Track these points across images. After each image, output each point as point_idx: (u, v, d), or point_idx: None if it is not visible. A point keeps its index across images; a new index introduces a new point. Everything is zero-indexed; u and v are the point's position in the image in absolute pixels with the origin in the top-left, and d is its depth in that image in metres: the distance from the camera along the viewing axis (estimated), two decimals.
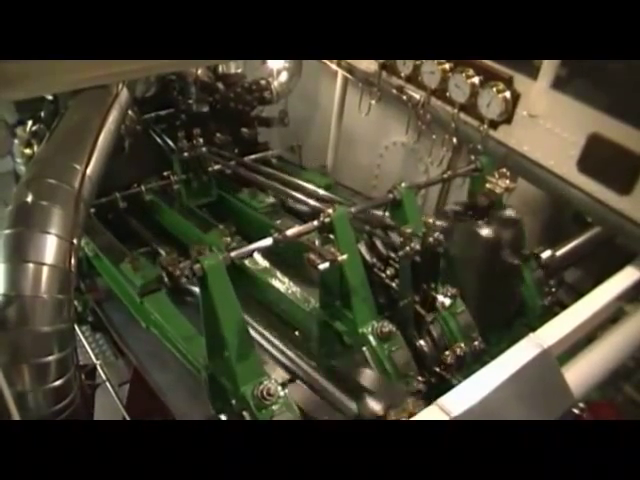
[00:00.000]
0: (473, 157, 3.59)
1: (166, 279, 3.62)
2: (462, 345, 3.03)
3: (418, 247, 2.82)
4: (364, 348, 2.89)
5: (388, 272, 3.06)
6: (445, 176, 3.69)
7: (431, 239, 2.83)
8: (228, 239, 4.36)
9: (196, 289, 3.83)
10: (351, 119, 5.43)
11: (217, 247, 3.84)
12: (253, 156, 5.41)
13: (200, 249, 3.96)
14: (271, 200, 4.78)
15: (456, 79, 3.90)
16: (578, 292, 3.39)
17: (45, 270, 2.98)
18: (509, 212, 3.37)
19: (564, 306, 3.05)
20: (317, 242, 2.88)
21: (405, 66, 4.27)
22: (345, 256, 2.73)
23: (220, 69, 5.79)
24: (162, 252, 4.42)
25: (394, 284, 3.05)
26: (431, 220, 2.95)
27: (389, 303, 3.09)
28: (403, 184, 3.25)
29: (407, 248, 2.82)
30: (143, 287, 3.95)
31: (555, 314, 2.56)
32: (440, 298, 3.00)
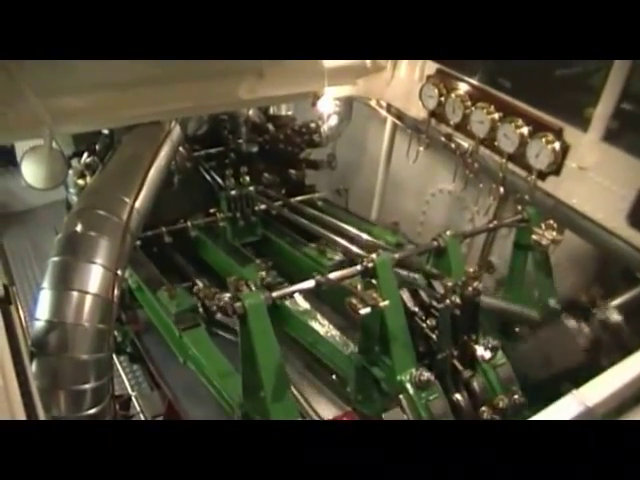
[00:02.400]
0: (520, 207, 3.54)
1: (201, 310, 3.77)
2: (500, 402, 2.94)
3: (458, 301, 2.79)
4: (401, 396, 2.84)
5: (428, 322, 3.01)
6: (491, 226, 3.66)
7: (470, 288, 2.78)
8: (263, 273, 4.29)
9: (229, 323, 3.84)
10: (398, 165, 5.44)
11: (253, 281, 3.85)
12: (299, 198, 5.44)
13: (237, 283, 4.02)
14: (339, 257, 4.53)
15: (505, 129, 3.88)
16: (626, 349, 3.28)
17: (88, 299, 3.03)
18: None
19: (611, 363, 2.95)
20: (359, 287, 2.85)
21: (454, 114, 4.27)
22: (387, 302, 2.70)
23: (271, 110, 5.91)
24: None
25: (434, 335, 2.99)
26: (472, 269, 2.89)
27: (428, 353, 3.04)
28: (448, 232, 3.23)
29: (447, 301, 2.78)
30: (178, 315, 4.01)
31: (601, 371, 2.46)
32: (480, 351, 2.93)
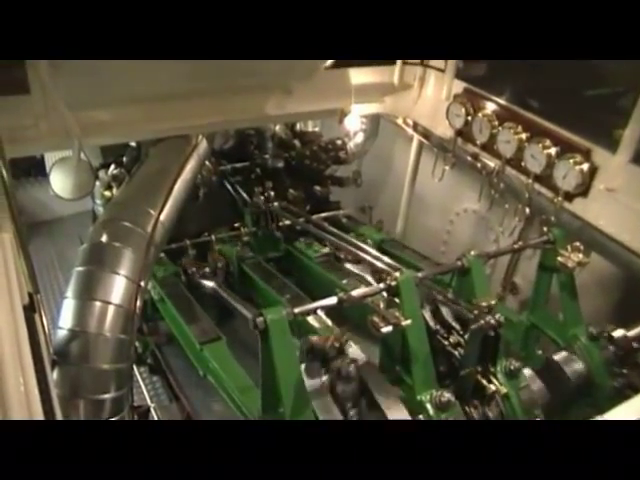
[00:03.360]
0: (546, 229, 3.51)
1: (183, 276, 4.57)
2: None
3: (493, 321, 2.77)
4: (421, 416, 2.81)
5: (451, 339, 2.99)
6: (516, 247, 3.63)
7: (492, 321, 2.76)
8: (239, 248, 4.81)
9: (208, 283, 4.30)
10: (424, 183, 5.43)
11: (229, 257, 4.74)
12: (324, 214, 5.46)
13: (215, 256, 4.78)
14: (325, 250, 4.92)
15: (532, 149, 3.85)
16: None
17: (111, 309, 3.04)
18: None
19: (637, 390, 2.90)
20: (382, 305, 2.83)
21: (481, 134, 4.26)
22: (409, 321, 2.70)
23: (298, 126, 5.94)
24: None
25: (456, 352, 2.97)
26: (493, 302, 2.87)
27: (449, 371, 3.01)
28: (472, 252, 3.20)
29: (481, 322, 2.76)
30: (162, 279, 4.48)
31: (627, 397, 2.42)
32: (496, 384, 2.91)
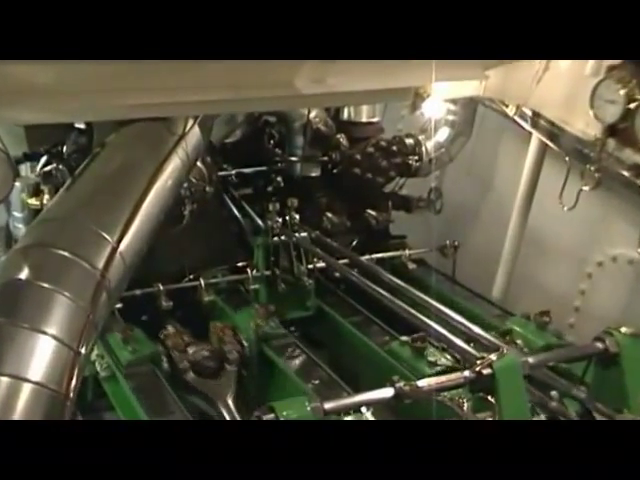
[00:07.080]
0: None
1: (165, 362, 4.45)
2: None
3: None
4: None
5: None
6: None
7: None
8: (259, 321, 4.59)
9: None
10: (544, 212, 5.35)
11: (244, 330, 4.56)
12: (379, 255, 5.44)
13: (221, 331, 4.64)
14: (446, 362, 4.41)
15: None
16: None
17: (26, 390, 2.95)
18: None
19: None
20: (466, 405, 2.86)
21: None
22: None
23: (345, 114, 5.86)
24: None
25: None
26: None
27: None
28: (624, 329, 3.16)
29: None
30: (130, 366, 4.24)
31: None
32: None
